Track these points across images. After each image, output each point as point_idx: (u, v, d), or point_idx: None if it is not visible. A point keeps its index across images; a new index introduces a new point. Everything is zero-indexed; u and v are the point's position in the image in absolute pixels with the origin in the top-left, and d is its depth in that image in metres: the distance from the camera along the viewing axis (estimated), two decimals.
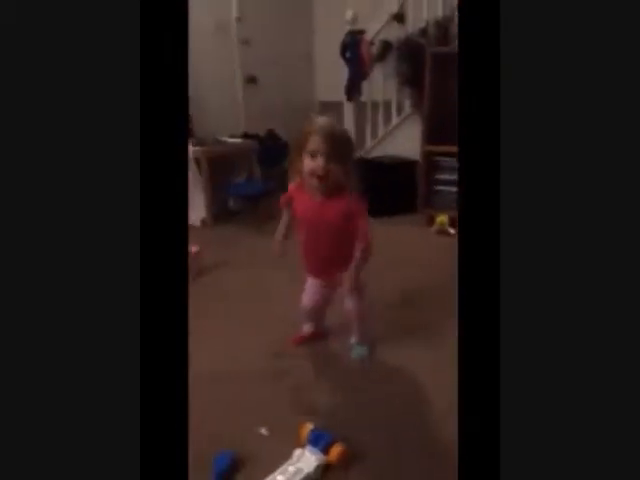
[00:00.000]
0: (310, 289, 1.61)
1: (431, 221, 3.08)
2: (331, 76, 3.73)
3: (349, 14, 3.30)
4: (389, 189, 3.36)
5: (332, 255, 1.44)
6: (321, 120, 1.28)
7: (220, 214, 3.38)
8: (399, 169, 3.42)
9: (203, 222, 3.25)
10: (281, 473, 1.11)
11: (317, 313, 1.70)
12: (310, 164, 1.26)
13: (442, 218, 2.98)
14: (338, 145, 1.25)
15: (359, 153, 3.73)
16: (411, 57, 3.21)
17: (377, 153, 3.69)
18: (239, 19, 3.97)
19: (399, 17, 3.29)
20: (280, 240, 1.52)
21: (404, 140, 3.52)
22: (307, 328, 1.76)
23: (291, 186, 1.45)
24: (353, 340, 1.70)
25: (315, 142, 1.24)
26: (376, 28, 3.35)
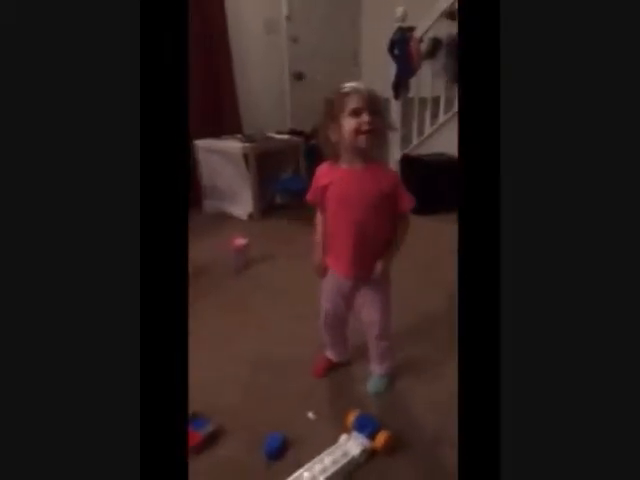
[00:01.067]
0: (329, 292, 1.44)
1: None
2: (378, 73, 3.74)
3: (399, 11, 3.30)
4: (434, 187, 3.34)
5: (369, 233, 1.28)
6: (352, 83, 1.20)
7: (267, 209, 3.47)
8: (445, 167, 3.39)
9: (250, 216, 3.35)
10: (328, 455, 1.16)
11: (338, 325, 1.52)
12: (353, 122, 1.16)
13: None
14: (376, 103, 1.18)
15: (404, 150, 3.73)
16: None
17: (423, 151, 3.67)
18: (289, 18, 4.05)
19: (450, 14, 3.26)
20: (321, 259, 1.39)
21: (451, 138, 3.49)
22: (329, 352, 1.61)
23: (320, 166, 1.33)
24: (373, 368, 1.54)
25: (356, 100, 1.16)
26: (426, 25, 3.34)
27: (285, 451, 1.24)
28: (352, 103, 1.16)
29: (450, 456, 1.22)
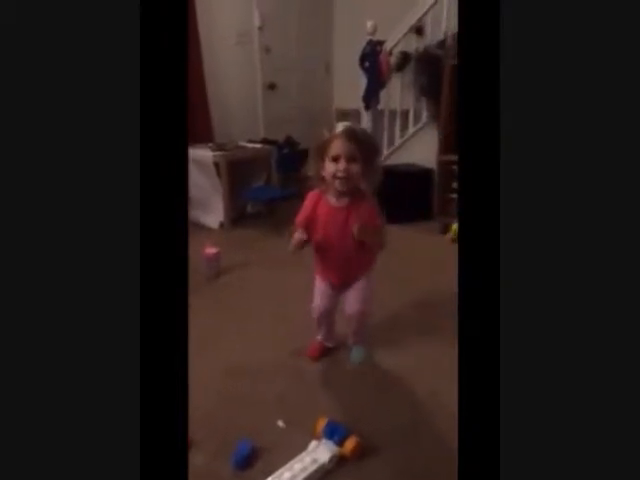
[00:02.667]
0: (319, 293, 1.61)
1: (446, 229, 3.12)
2: (349, 84, 3.80)
3: (369, 24, 3.37)
4: (405, 197, 3.40)
5: (350, 262, 1.48)
6: (343, 125, 1.33)
7: (238, 218, 3.46)
8: (415, 177, 3.47)
9: (221, 225, 3.33)
10: (298, 462, 1.17)
11: (328, 317, 1.69)
12: (331, 167, 1.32)
13: (457, 226, 3.02)
14: (359, 148, 1.30)
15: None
16: (429, 68, 3.27)
17: (393, 161, 3.74)
18: (261, 28, 4.08)
19: (417, 30, 3.36)
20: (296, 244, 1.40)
21: (420, 149, 3.57)
22: (321, 337, 1.76)
23: (312, 193, 1.47)
24: (350, 342, 1.76)
25: (336, 146, 1.30)
26: (395, 39, 3.42)
27: (254, 459, 1.23)
28: (332, 150, 1.31)
29: (417, 460, 1.25)
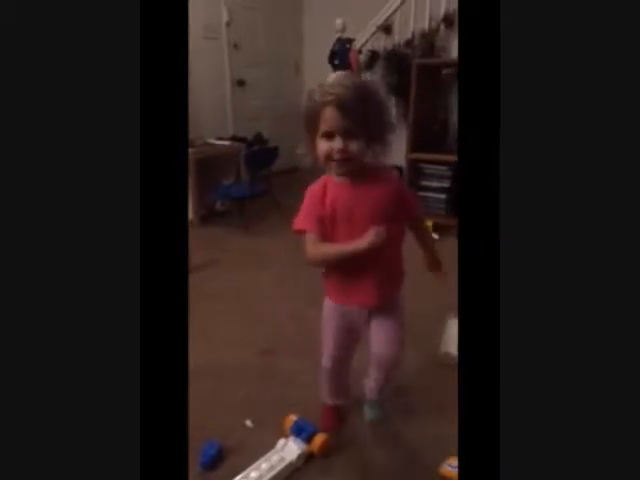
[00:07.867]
0: (334, 330, 1.18)
1: None
2: (319, 81, 3.80)
3: (338, 22, 3.38)
4: None
5: (389, 261, 1.10)
6: (334, 82, 0.95)
7: (207, 215, 3.42)
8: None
9: (190, 223, 3.28)
10: (265, 461, 1.16)
11: (346, 365, 1.27)
12: (325, 147, 0.96)
13: (426, 223, 3.06)
14: (359, 118, 0.92)
15: None
16: (397, 67, 3.31)
17: None
18: (228, 24, 4.03)
19: (386, 28, 3.39)
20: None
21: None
22: (331, 396, 1.35)
23: (312, 187, 1.07)
24: (368, 396, 1.37)
25: (329, 119, 0.93)
26: (364, 38, 3.44)
27: (221, 460, 1.22)
28: (324, 123, 0.94)
29: (384, 456, 1.26)
